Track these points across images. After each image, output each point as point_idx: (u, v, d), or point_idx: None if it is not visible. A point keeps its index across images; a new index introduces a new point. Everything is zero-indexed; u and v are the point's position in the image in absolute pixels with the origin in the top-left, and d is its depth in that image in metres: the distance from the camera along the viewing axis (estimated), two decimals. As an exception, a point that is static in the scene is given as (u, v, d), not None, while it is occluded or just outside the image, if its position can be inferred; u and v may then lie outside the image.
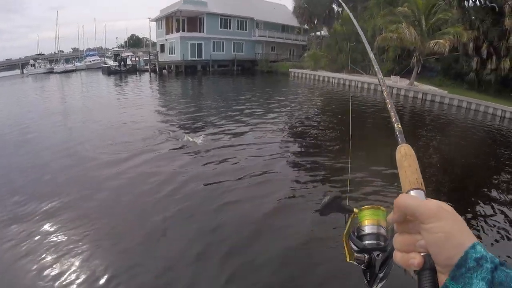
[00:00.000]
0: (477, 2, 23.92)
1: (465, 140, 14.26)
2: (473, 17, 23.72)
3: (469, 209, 7.16)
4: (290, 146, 11.38)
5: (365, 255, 0.94)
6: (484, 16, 22.72)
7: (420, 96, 23.47)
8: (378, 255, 0.91)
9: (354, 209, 0.98)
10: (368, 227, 0.94)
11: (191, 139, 10.74)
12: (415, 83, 25.02)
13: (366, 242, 0.93)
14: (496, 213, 7.01)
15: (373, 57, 1.36)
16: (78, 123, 14.33)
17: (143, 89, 28.44)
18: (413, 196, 0.67)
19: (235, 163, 8.98)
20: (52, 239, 5.35)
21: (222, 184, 7.62)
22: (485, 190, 8.46)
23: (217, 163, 8.92)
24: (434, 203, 0.59)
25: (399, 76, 26.78)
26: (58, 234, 5.52)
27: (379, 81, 1.28)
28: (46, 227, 5.72)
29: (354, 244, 0.96)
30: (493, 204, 7.43)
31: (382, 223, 0.92)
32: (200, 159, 9.20)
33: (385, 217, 0.91)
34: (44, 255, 4.94)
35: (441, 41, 21.00)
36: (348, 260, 0.97)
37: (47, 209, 6.32)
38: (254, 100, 20.67)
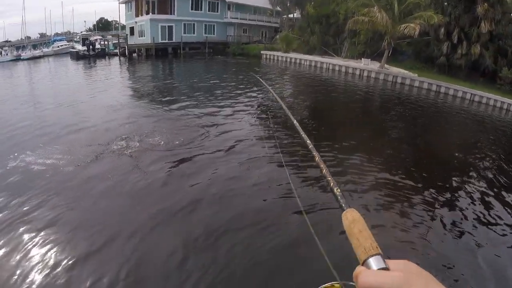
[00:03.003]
0: (449, -12, 24.28)
1: (436, 122, 14.70)
2: (446, 3, 24.06)
3: (440, 192, 7.42)
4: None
5: None
6: (456, 2, 23.11)
7: (390, 78, 23.90)
8: None
9: None
10: None
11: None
12: (386, 65, 25.40)
13: None
14: (464, 194, 7.42)
15: None
16: (44, 109, 13.93)
17: (113, 73, 27.71)
18: (374, 273, 0.61)
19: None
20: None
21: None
22: (456, 172, 8.85)
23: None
24: (397, 275, 0.54)
25: (370, 59, 27.13)
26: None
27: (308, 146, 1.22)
28: None
29: None
30: (464, 186, 7.91)
31: None
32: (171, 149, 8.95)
33: None
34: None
35: (411, 24, 21.38)
36: None
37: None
38: (226, 85, 20.54)
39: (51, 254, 4.78)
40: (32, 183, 6.85)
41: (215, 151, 8.75)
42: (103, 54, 42.49)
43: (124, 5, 47.98)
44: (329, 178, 0.95)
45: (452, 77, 22.89)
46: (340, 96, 18.89)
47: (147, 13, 40.92)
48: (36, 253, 4.79)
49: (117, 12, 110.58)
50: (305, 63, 32.02)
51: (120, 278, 4.34)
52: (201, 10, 44.49)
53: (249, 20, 48.89)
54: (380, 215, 6.13)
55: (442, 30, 23.20)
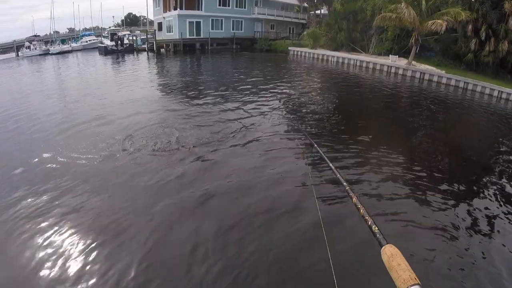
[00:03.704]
0: (476, -16, 23.59)
1: (462, 119, 14.33)
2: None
3: (465, 190, 7.12)
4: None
5: None
6: (483, -2, 22.52)
7: (418, 75, 23.64)
8: None
9: None
10: None
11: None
12: (414, 62, 25.03)
13: None
14: (493, 193, 7.03)
15: None
16: (73, 102, 14.41)
17: (141, 68, 28.03)
18: None
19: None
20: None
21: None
22: (480, 171, 8.53)
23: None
24: None
25: (397, 56, 26.70)
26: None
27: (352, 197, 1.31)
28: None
29: None
30: (491, 182, 7.60)
31: None
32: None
33: None
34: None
35: (438, 21, 21.11)
36: None
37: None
38: (253, 81, 20.50)
39: (72, 239, 5.03)
40: (56, 173, 7.10)
41: (238, 145, 8.82)
42: (131, 49, 43.23)
43: (152, 0, 48.49)
44: (367, 217, 1.02)
45: (479, 74, 22.39)
46: (366, 92, 18.73)
47: (175, 8, 41.31)
48: (57, 238, 5.05)
49: (145, 7, 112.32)
50: (332, 60, 31.74)
51: (135, 261, 4.54)
52: (228, 6, 44.72)
53: (276, 16, 48.87)
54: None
55: (470, 26, 22.62)
